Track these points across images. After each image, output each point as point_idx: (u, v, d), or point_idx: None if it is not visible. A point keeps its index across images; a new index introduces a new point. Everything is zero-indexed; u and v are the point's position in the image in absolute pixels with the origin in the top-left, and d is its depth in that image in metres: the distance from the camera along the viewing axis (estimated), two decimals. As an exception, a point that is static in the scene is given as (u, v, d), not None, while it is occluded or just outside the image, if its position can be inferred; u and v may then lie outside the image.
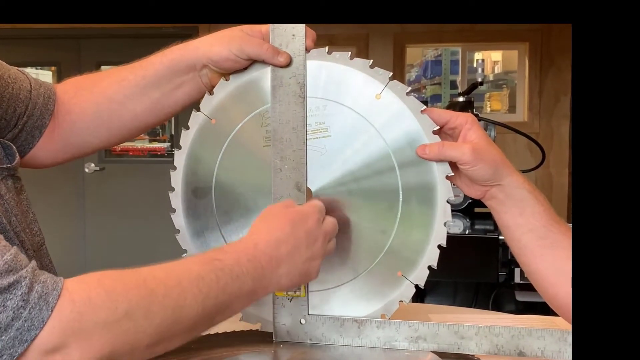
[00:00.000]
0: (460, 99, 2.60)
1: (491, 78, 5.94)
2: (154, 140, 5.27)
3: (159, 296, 0.72)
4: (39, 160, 1.02)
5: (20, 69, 1.01)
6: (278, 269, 0.83)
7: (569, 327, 0.89)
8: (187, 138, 0.99)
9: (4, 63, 0.97)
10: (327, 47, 0.95)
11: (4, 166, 0.88)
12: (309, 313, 0.96)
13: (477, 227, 2.45)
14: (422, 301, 2.43)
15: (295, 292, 0.96)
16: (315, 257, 0.88)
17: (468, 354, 0.91)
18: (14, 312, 0.64)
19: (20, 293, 0.65)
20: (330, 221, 0.91)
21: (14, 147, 0.92)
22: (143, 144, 5.12)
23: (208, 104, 0.99)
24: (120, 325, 0.68)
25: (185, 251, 1.00)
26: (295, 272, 0.86)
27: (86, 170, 4.88)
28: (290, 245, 0.85)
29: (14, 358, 0.65)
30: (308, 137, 0.95)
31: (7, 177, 0.88)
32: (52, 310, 0.65)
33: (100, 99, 1.02)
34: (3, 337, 0.64)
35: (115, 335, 0.68)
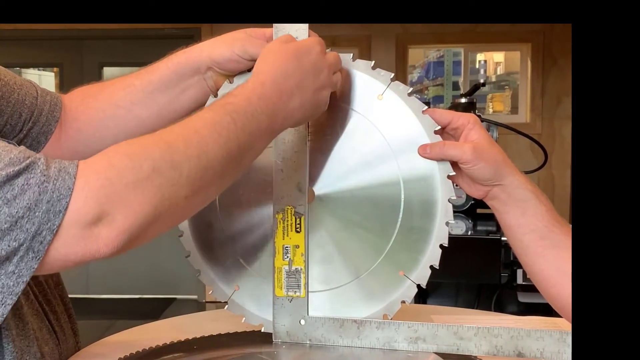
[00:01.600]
0: (463, 100, 2.61)
1: (493, 79, 5.95)
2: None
3: (180, 147, 0.73)
4: None
5: (27, 79, 1.02)
6: (290, 102, 0.83)
7: (570, 327, 0.89)
8: (190, 139, 0.99)
9: (10, 71, 0.98)
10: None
11: None
12: (309, 314, 0.97)
13: (479, 228, 2.45)
14: (424, 302, 2.43)
15: (295, 292, 0.97)
16: (324, 86, 0.88)
17: (470, 356, 0.91)
18: (39, 187, 0.66)
19: (39, 170, 0.67)
20: (333, 54, 0.91)
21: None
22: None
23: (211, 106, 0.99)
24: (151, 181, 0.70)
25: (189, 253, 1.00)
26: (307, 104, 0.85)
27: (88, 171, 4.88)
28: (297, 77, 0.84)
29: (54, 232, 0.66)
30: (310, 138, 0.95)
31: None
32: (74, 178, 0.67)
33: (106, 106, 1.02)
34: (37, 213, 0.66)
35: (150, 192, 0.69)
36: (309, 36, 0.94)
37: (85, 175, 0.68)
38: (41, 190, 0.66)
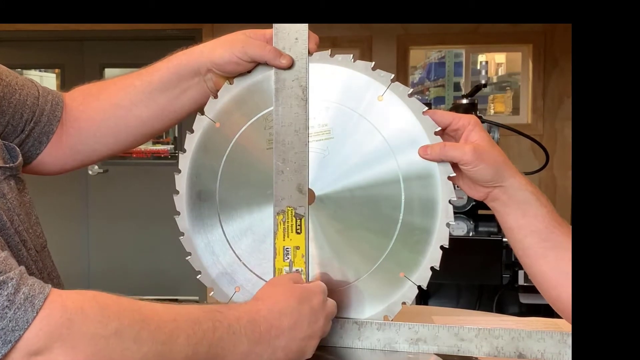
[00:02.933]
0: (464, 101, 2.61)
1: (495, 80, 5.95)
2: (157, 143, 5.28)
3: (152, 325, 0.72)
4: (47, 167, 1.03)
5: (29, 77, 1.02)
6: (276, 340, 0.82)
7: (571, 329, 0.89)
8: (191, 141, 0.99)
9: (12, 71, 0.98)
10: (329, 50, 0.95)
11: (7, 165, 0.89)
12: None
13: (480, 229, 2.45)
14: (425, 303, 2.42)
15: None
16: (314, 336, 0.87)
17: (471, 357, 0.91)
18: None
19: (6, 293, 0.65)
20: (332, 303, 0.91)
21: (18, 149, 0.93)
22: (146, 146, 5.13)
23: (212, 107, 0.99)
24: (108, 342, 0.68)
25: (189, 254, 1.00)
26: (293, 348, 0.84)
27: (89, 172, 4.89)
28: (293, 319, 0.84)
29: None
30: (311, 140, 0.95)
31: (9, 177, 0.89)
32: (37, 312, 0.65)
33: (107, 106, 1.03)
34: None
35: (101, 351, 0.68)
36: (309, 38, 0.94)
37: (51, 308, 0.66)
38: (0, 315, 0.65)
